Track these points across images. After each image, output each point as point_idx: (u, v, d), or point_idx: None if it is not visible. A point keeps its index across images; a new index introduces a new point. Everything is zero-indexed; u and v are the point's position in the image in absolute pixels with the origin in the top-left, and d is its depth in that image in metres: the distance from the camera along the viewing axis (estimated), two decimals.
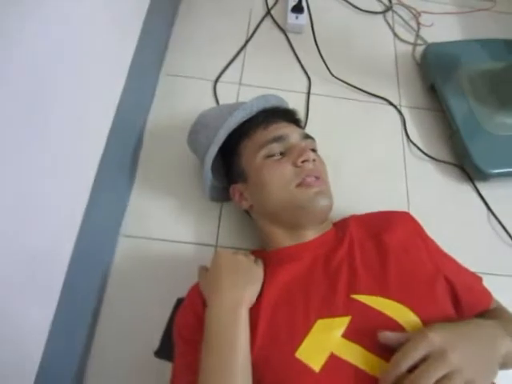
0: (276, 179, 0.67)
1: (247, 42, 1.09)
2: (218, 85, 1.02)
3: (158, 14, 0.95)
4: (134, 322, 0.78)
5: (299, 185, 0.66)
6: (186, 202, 0.88)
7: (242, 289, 0.60)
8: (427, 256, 0.66)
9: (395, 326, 0.56)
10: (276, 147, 0.70)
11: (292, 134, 0.72)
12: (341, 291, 0.60)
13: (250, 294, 0.61)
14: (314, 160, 0.69)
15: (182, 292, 0.71)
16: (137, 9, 0.85)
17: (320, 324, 0.58)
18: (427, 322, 0.56)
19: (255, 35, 1.10)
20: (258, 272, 0.65)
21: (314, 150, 0.74)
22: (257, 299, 0.62)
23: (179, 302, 0.75)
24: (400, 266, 0.63)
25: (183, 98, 1.00)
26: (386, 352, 0.53)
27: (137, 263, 0.82)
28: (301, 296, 0.61)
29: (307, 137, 0.74)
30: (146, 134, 0.94)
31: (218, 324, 0.57)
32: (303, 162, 0.68)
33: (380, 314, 0.57)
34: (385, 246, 0.65)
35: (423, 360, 0.49)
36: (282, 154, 0.70)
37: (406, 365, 0.49)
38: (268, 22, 1.14)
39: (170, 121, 0.96)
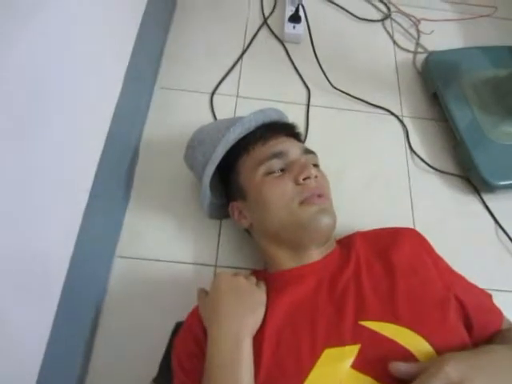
0: (277, 197, 0.64)
1: (244, 52, 1.06)
2: (215, 97, 0.99)
3: (151, 26, 0.92)
4: (132, 348, 0.74)
5: (301, 203, 0.63)
6: (184, 219, 0.85)
7: (244, 316, 0.57)
8: (437, 275, 0.64)
9: (407, 355, 0.53)
10: (276, 163, 0.67)
11: (292, 148, 0.69)
12: (348, 317, 0.57)
13: (253, 322, 0.58)
14: (316, 176, 0.66)
15: (181, 315, 0.68)
16: (130, 22, 0.83)
17: (328, 354, 0.54)
18: (440, 350, 0.53)
19: (252, 46, 1.08)
20: (260, 297, 0.61)
21: (315, 165, 0.71)
22: (260, 325, 0.58)
23: (178, 326, 0.72)
24: (410, 289, 0.59)
25: (179, 112, 0.97)
26: (398, 383, 0.50)
27: (133, 286, 0.79)
28: (306, 323, 0.58)
29: (308, 151, 0.71)
30: (141, 149, 0.91)
31: (219, 357, 0.54)
32: (305, 179, 0.65)
33: (391, 341, 0.54)
34: (393, 266, 0.62)
35: None
36: (282, 170, 0.67)
37: None
38: (265, 31, 1.11)
39: (166, 135, 0.93)
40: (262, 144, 0.69)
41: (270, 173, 0.66)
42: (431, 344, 0.53)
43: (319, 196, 0.64)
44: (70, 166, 0.63)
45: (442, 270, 0.66)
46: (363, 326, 0.56)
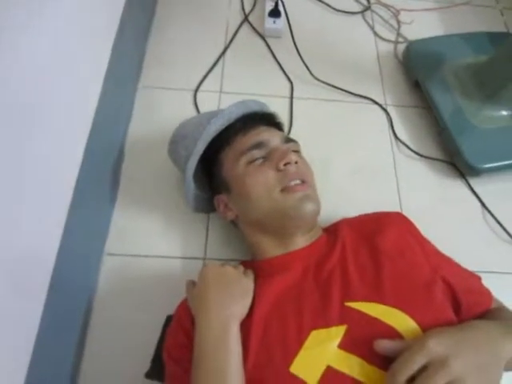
0: (259, 185, 0.64)
1: (226, 49, 1.07)
2: (199, 94, 1.00)
3: (131, 26, 0.92)
4: (123, 343, 0.74)
5: (283, 190, 0.64)
6: (172, 215, 0.85)
7: (231, 304, 0.57)
8: (423, 257, 0.64)
9: (393, 334, 0.53)
10: (257, 153, 0.67)
11: (273, 138, 0.69)
12: (335, 299, 0.57)
13: (241, 309, 0.58)
14: (296, 162, 0.66)
15: (172, 309, 0.68)
16: (109, 20, 0.83)
17: (314, 335, 0.55)
18: (426, 328, 0.53)
19: (233, 42, 1.09)
20: (248, 284, 0.62)
21: (296, 152, 0.71)
22: (248, 313, 0.59)
23: (169, 319, 0.72)
24: (395, 270, 0.60)
25: (163, 110, 0.97)
26: (385, 362, 0.50)
27: (123, 282, 0.79)
28: (293, 307, 0.58)
29: (289, 140, 0.72)
30: (126, 147, 0.92)
31: (207, 344, 0.54)
32: (285, 165, 0.65)
33: (377, 321, 0.54)
34: (378, 249, 0.63)
35: (423, 369, 0.46)
36: (263, 159, 0.67)
37: (404, 375, 0.46)
38: (246, 28, 1.12)
39: (151, 133, 0.93)
40: (242, 135, 0.70)
41: (251, 162, 0.67)
42: (417, 322, 0.54)
43: (302, 182, 0.65)
44: (54, 165, 0.62)
45: (429, 253, 0.66)
46: (349, 307, 0.56)
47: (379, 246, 0.63)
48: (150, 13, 1.10)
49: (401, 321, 0.54)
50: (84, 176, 0.70)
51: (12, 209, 0.52)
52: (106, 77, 0.79)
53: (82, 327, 0.73)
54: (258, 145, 0.67)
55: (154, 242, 0.82)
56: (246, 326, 0.57)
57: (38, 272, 0.60)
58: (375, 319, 0.54)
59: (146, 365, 0.69)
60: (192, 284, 0.65)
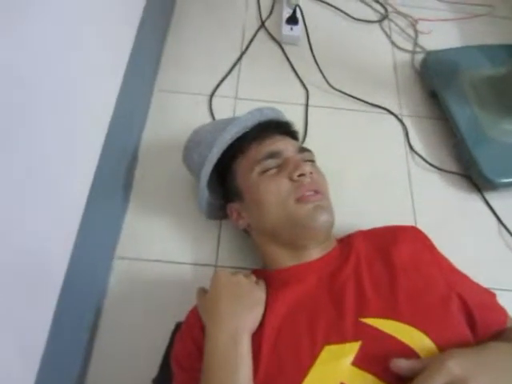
0: (272, 195, 0.64)
1: (242, 55, 1.07)
2: (214, 99, 0.99)
3: (149, 29, 0.93)
4: (132, 349, 0.74)
5: (297, 200, 0.63)
6: (184, 221, 0.84)
7: (242, 315, 0.57)
8: (439, 273, 0.63)
9: (409, 352, 0.52)
10: (271, 163, 0.66)
11: (287, 147, 0.68)
12: (349, 314, 0.56)
13: (252, 320, 0.57)
14: (311, 173, 0.65)
15: (182, 316, 0.67)
16: (128, 24, 0.84)
17: (327, 351, 0.54)
18: (442, 347, 0.52)
19: (250, 48, 1.09)
20: (259, 295, 0.61)
21: (311, 162, 0.71)
22: (259, 324, 0.58)
23: (178, 326, 0.71)
24: (411, 285, 0.59)
25: (178, 115, 0.97)
26: (400, 381, 0.49)
27: (134, 286, 0.78)
28: (306, 320, 0.57)
29: (303, 149, 0.71)
30: (140, 151, 0.92)
31: (217, 355, 0.54)
32: (299, 175, 0.64)
33: (392, 338, 0.53)
34: (393, 263, 0.62)
35: None
36: (277, 168, 0.67)
37: None
38: (262, 34, 1.12)
39: (165, 138, 0.93)
40: (257, 144, 0.69)
41: (265, 171, 0.66)
42: (433, 341, 0.53)
43: (315, 192, 0.64)
44: (69, 168, 0.62)
45: (444, 268, 0.65)
46: (364, 323, 0.55)
47: (394, 259, 0.62)
48: (168, 13, 1.10)
49: (417, 339, 0.53)
50: (98, 180, 0.70)
51: (25, 212, 0.52)
52: (124, 80, 0.79)
53: (91, 331, 0.73)
54: (273, 154, 0.67)
55: (165, 247, 0.82)
56: (256, 337, 0.56)
57: (50, 275, 0.60)
58: (390, 336, 0.53)
59: (153, 371, 0.68)
60: (203, 292, 0.64)
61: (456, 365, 0.46)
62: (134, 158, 0.89)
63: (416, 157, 0.96)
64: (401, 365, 0.49)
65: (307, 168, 0.64)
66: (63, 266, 0.62)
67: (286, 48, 1.09)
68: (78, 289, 0.67)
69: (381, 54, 1.12)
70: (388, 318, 0.55)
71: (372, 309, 0.56)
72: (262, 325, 0.57)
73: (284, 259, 0.66)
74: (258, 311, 0.58)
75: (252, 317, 0.57)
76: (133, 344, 0.74)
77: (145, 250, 0.81)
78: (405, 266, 0.61)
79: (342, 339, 0.54)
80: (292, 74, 1.06)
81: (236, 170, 0.71)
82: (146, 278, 0.79)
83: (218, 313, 0.57)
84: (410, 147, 0.97)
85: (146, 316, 0.76)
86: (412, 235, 0.69)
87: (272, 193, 0.64)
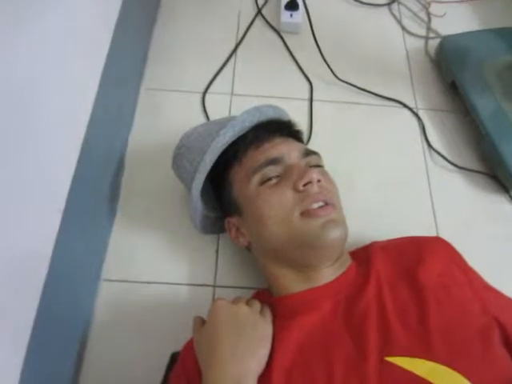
0: (274, 209, 0.55)
1: (237, 46, 0.97)
2: (207, 97, 0.90)
3: (131, 23, 0.83)
4: (121, 383, 0.65)
5: (303, 214, 0.54)
6: (177, 235, 0.75)
7: (245, 358, 0.48)
8: (472, 293, 0.54)
9: None
10: (272, 171, 0.57)
11: (290, 152, 0.59)
12: (372, 352, 0.48)
13: (257, 363, 0.48)
14: (319, 181, 0.56)
15: (177, 345, 0.60)
16: (106, 12, 0.74)
17: None
18: None
19: (246, 39, 0.99)
20: (265, 329, 0.52)
21: (318, 167, 0.61)
22: (266, 365, 0.49)
23: (174, 357, 0.63)
24: (444, 316, 0.50)
25: (168, 115, 0.88)
26: None
27: (122, 312, 0.70)
28: (320, 360, 0.49)
29: (309, 153, 0.61)
30: (127, 158, 0.82)
31: None
32: (305, 185, 0.55)
33: (425, 382, 0.44)
34: (421, 287, 0.53)
35: None
36: (279, 177, 0.57)
37: None
38: (259, 22, 1.02)
39: (155, 141, 0.84)
40: (254, 149, 0.60)
41: (265, 181, 0.57)
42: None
43: (325, 204, 0.55)
44: (37, 185, 0.54)
45: (477, 287, 0.56)
46: (390, 363, 0.46)
47: (421, 281, 0.53)
48: (154, 5, 1.00)
49: (454, 382, 0.44)
50: (76, 190, 0.61)
51: None
52: (102, 76, 0.70)
53: (75, 363, 0.64)
54: (273, 161, 0.58)
55: (157, 267, 0.73)
56: (264, 380, 0.48)
57: (21, 299, 0.51)
58: (423, 380, 0.45)
59: None
60: (200, 323, 0.55)
61: None
62: (120, 165, 0.80)
63: (435, 155, 0.86)
64: None
65: (314, 175, 0.55)
66: (37, 289, 0.53)
67: (286, 37, 0.99)
68: (57, 316, 0.59)
69: (391, 41, 1.01)
70: (420, 357, 0.46)
71: (400, 345, 0.48)
72: (269, 367, 0.49)
73: (292, 283, 0.56)
74: (265, 350, 0.50)
75: (257, 359, 0.48)
76: (123, 379, 0.65)
77: (134, 271, 0.72)
78: (434, 289, 0.53)
79: (364, 383, 0.45)
80: (293, 66, 0.96)
81: (232, 180, 0.61)
82: (136, 303, 0.70)
83: (215, 356, 0.48)
84: (428, 144, 0.87)
85: (136, 346, 0.67)
86: (439, 249, 0.60)
87: (273, 207, 0.55)
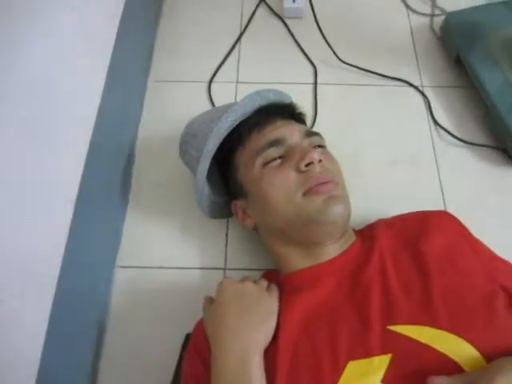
0: (278, 190, 0.56)
1: (241, 35, 0.98)
2: (213, 86, 0.91)
3: (135, 17, 0.85)
4: (141, 366, 0.68)
5: (306, 193, 0.55)
6: (188, 222, 0.77)
7: (252, 331, 0.50)
8: (477, 263, 0.54)
9: (449, 364, 0.44)
10: (274, 152, 0.58)
11: (291, 133, 0.60)
12: (375, 322, 0.49)
13: (263, 336, 0.50)
14: (320, 161, 0.56)
15: (191, 326, 0.62)
16: (108, 12, 0.76)
17: (352, 367, 0.46)
18: (490, 356, 0.44)
19: (249, 27, 0.99)
20: (271, 304, 0.54)
21: (320, 147, 0.62)
22: (273, 337, 0.51)
23: (188, 338, 0.66)
24: (447, 284, 0.50)
25: (176, 105, 0.90)
26: None
27: (138, 297, 0.72)
28: (325, 331, 0.50)
29: (310, 133, 0.62)
30: (137, 149, 0.85)
31: (224, 381, 0.47)
32: (307, 165, 0.56)
33: (429, 349, 0.45)
34: (425, 258, 0.53)
35: None
36: (282, 158, 0.58)
37: None
38: (263, 10, 1.02)
39: (164, 131, 0.86)
40: (256, 132, 0.61)
41: (267, 163, 0.58)
42: (478, 349, 0.44)
43: (327, 182, 0.55)
44: (50, 171, 0.56)
45: (483, 257, 0.56)
46: (393, 332, 0.47)
47: (425, 253, 0.54)
48: (157, 3, 1.02)
49: (458, 348, 0.45)
50: (88, 181, 0.63)
51: (4, 219, 0.46)
52: (109, 70, 0.72)
53: (95, 348, 0.67)
54: (275, 142, 0.59)
55: (169, 252, 0.75)
56: (270, 353, 0.50)
57: (37, 289, 0.54)
58: (426, 346, 0.46)
59: None
60: (210, 301, 0.57)
61: (508, 380, 0.38)
62: (130, 156, 0.82)
63: (441, 131, 0.86)
64: (440, 382, 0.42)
65: (316, 155, 0.56)
66: (53, 279, 0.56)
67: (290, 23, 0.99)
68: (74, 304, 0.61)
69: (395, 20, 1.00)
70: (422, 324, 0.47)
71: (402, 314, 0.48)
72: (275, 339, 0.50)
73: (297, 261, 0.58)
74: (270, 324, 0.51)
75: (263, 331, 0.50)
76: (141, 360, 0.68)
77: (147, 257, 0.75)
78: (438, 260, 0.53)
79: (368, 353, 0.47)
80: (297, 51, 0.96)
81: (237, 164, 0.63)
82: (151, 287, 0.72)
83: (222, 331, 0.50)
84: (434, 121, 0.87)
85: (153, 329, 0.70)
86: (443, 222, 0.60)
87: (277, 187, 0.56)
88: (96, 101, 0.68)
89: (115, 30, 0.75)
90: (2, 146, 0.47)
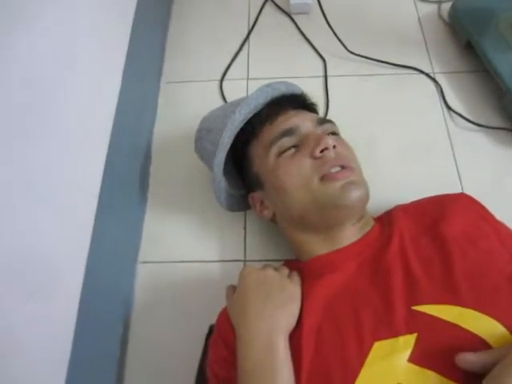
0: (294, 177, 0.56)
1: (250, 32, 0.99)
2: (225, 83, 0.93)
3: (147, 20, 0.87)
4: (167, 359, 0.69)
5: (322, 179, 0.55)
6: (206, 216, 0.79)
7: (275, 315, 0.50)
8: (500, 244, 0.53)
9: (476, 342, 0.44)
10: (287, 142, 0.59)
11: (304, 122, 0.60)
12: (399, 303, 0.49)
13: (287, 320, 0.50)
14: (334, 147, 0.57)
15: (215, 317, 0.62)
16: (121, 16, 0.78)
17: (378, 348, 0.46)
18: None
19: (257, 24, 1.01)
20: (293, 290, 0.54)
21: (334, 134, 0.62)
22: (297, 322, 0.51)
23: (212, 329, 0.66)
24: (469, 263, 0.50)
25: (189, 104, 0.91)
26: (469, 376, 0.41)
27: (160, 291, 0.74)
28: (349, 314, 0.50)
29: (323, 121, 0.63)
30: (153, 147, 0.86)
31: (251, 363, 0.47)
32: (322, 151, 0.56)
33: (455, 327, 0.45)
34: (445, 238, 0.53)
35: None
36: (296, 147, 0.59)
37: None
38: (269, 7, 1.04)
39: (179, 130, 0.87)
40: (269, 124, 0.62)
41: (282, 152, 0.59)
42: (505, 326, 0.44)
43: (342, 168, 0.56)
44: (72, 171, 0.58)
45: (506, 238, 0.55)
46: (418, 312, 0.47)
47: (445, 234, 0.54)
48: (166, 6, 1.04)
49: (484, 325, 0.45)
50: (109, 181, 0.65)
51: (30, 217, 0.48)
52: (124, 73, 0.74)
53: (120, 343, 0.68)
54: (288, 132, 0.59)
55: (189, 247, 0.76)
56: (295, 338, 0.50)
57: (64, 286, 0.55)
58: (452, 325, 0.45)
59: (191, 379, 0.63)
60: (232, 289, 0.58)
61: None
62: (147, 156, 0.84)
63: (455, 116, 0.85)
64: (469, 359, 0.42)
65: (330, 141, 0.56)
66: (79, 275, 0.58)
67: (297, 18, 1.00)
68: (99, 300, 0.63)
69: (402, 8, 1.00)
70: (446, 303, 0.47)
71: (426, 295, 0.48)
72: (299, 323, 0.51)
73: (317, 247, 0.58)
74: (293, 308, 0.52)
75: (286, 315, 0.51)
76: (166, 353, 0.69)
77: (168, 252, 0.76)
78: (459, 240, 0.53)
79: (393, 333, 0.47)
80: (306, 45, 0.97)
81: (252, 156, 0.64)
82: (173, 281, 0.74)
83: (247, 315, 0.51)
84: (448, 107, 0.86)
85: (176, 321, 0.71)
86: (463, 204, 0.60)
87: (293, 175, 0.56)
88: (113, 102, 0.70)
89: (129, 33, 0.77)
90: (29, 145, 0.49)
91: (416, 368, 0.44)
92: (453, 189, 0.78)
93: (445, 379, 0.43)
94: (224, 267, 0.74)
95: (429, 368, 0.44)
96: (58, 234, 0.54)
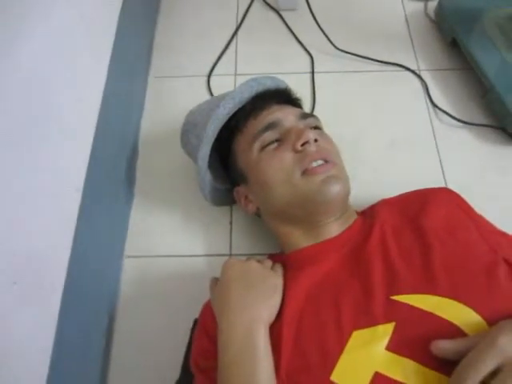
0: (276, 171, 0.57)
1: (238, 28, 1.00)
2: (212, 79, 0.93)
3: (134, 13, 0.87)
4: (152, 351, 0.69)
5: (304, 173, 0.55)
6: (192, 210, 0.79)
7: (256, 305, 0.51)
8: (479, 236, 0.54)
9: (453, 330, 0.45)
10: (270, 136, 0.59)
11: (286, 116, 0.61)
12: (378, 293, 0.49)
13: (268, 310, 0.51)
14: (316, 140, 0.57)
15: (199, 311, 0.62)
16: (108, 10, 0.78)
17: (357, 336, 0.47)
18: (492, 321, 0.44)
19: (245, 20, 1.01)
20: (275, 281, 0.54)
21: (316, 128, 0.63)
22: (278, 312, 0.52)
23: (196, 323, 0.66)
24: (448, 253, 0.51)
25: (176, 99, 0.91)
26: (446, 363, 0.42)
27: (146, 285, 0.74)
28: (330, 304, 0.51)
29: (306, 115, 0.63)
30: (140, 142, 0.86)
31: (232, 352, 0.48)
32: (303, 145, 0.57)
33: (431, 315, 0.46)
34: (424, 230, 0.54)
35: (495, 373, 0.38)
36: (279, 141, 0.59)
37: (473, 381, 0.38)
38: (258, 3, 1.04)
39: (166, 125, 0.88)
40: (253, 118, 0.62)
41: (265, 146, 0.59)
42: (481, 315, 0.45)
43: (324, 162, 0.56)
44: (56, 165, 0.58)
45: (485, 230, 0.56)
46: (397, 301, 0.48)
47: (425, 226, 0.54)
48: (155, 1, 1.04)
49: (460, 313, 0.46)
50: (93, 175, 0.65)
51: (13, 209, 0.48)
52: (110, 67, 0.74)
53: (106, 335, 0.69)
54: (270, 126, 0.60)
55: (175, 241, 0.76)
56: (275, 328, 0.50)
57: (48, 280, 0.55)
58: (429, 313, 0.46)
59: (176, 372, 0.64)
60: (215, 281, 0.59)
61: (510, 341, 0.39)
62: (134, 150, 0.84)
63: (440, 113, 0.86)
64: (444, 346, 0.42)
65: (311, 135, 0.56)
66: (62, 268, 0.57)
67: (285, 14, 1.01)
68: (84, 292, 0.63)
69: (389, 6, 1.01)
70: (424, 292, 0.48)
71: (405, 284, 0.49)
72: (280, 313, 0.51)
73: (301, 240, 0.59)
74: (275, 299, 0.52)
75: (267, 306, 0.51)
76: (152, 345, 0.69)
77: (155, 246, 0.76)
78: (438, 231, 0.54)
79: (372, 322, 0.47)
80: (293, 41, 0.98)
81: (236, 150, 0.64)
82: (159, 275, 0.74)
83: (228, 305, 0.51)
84: (432, 103, 0.87)
85: (162, 315, 0.71)
86: (444, 197, 0.61)
87: (275, 169, 0.57)
88: (98, 96, 0.70)
89: (115, 26, 0.77)
90: (12, 140, 0.49)
91: (394, 356, 0.45)
92: (436, 184, 0.76)
93: (421, 367, 0.43)
94: (210, 261, 0.75)
95: (406, 356, 0.44)
96: (42, 228, 0.54)
